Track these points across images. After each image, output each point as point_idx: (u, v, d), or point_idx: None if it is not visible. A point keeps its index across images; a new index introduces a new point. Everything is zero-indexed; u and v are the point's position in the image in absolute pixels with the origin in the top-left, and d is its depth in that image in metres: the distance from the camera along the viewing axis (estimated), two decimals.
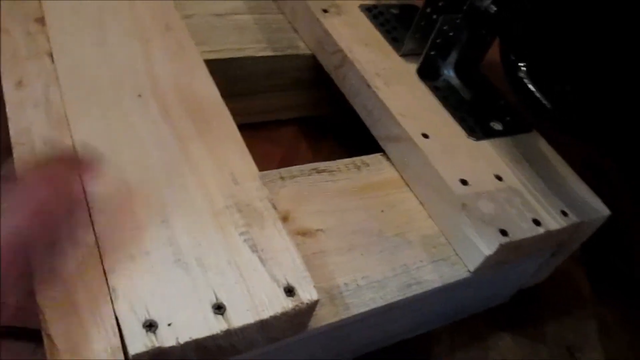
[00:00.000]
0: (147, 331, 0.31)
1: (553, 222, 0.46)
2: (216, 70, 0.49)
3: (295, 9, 0.63)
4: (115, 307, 0.32)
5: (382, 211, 0.46)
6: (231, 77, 0.59)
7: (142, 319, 0.32)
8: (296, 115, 0.69)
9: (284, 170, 0.47)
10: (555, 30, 0.46)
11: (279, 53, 0.60)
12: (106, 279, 0.33)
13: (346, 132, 0.69)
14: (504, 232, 0.43)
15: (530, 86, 0.47)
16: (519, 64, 0.47)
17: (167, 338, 0.31)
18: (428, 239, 0.46)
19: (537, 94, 0.46)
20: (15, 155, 0.38)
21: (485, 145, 0.51)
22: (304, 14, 0.61)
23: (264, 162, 0.44)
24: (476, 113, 0.53)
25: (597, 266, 0.65)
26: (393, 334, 0.48)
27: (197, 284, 0.34)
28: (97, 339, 0.31)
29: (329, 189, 0.47)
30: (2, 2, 0.50)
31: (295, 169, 0.48)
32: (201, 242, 0.36)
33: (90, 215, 0.36)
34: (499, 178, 0.48)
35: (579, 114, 0.46)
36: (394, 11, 0.63)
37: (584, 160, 0.53)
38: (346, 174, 0.49)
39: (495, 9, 0.50)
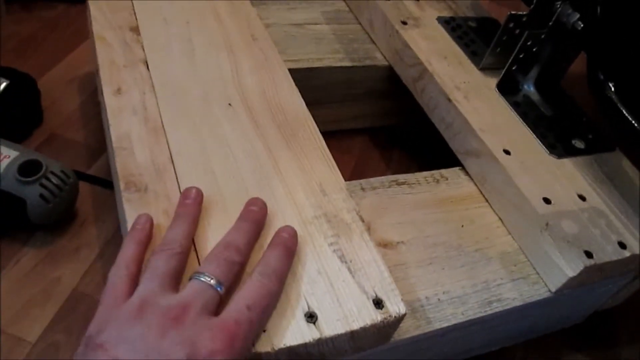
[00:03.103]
0: None
1: (639, 245, 0.45)
2: (294, 80, 0.51)
3: (373, 20, 0.63)
4: None
5: (462, 226, 0.47)
6: (308, 86, 0.59)
7: None
8: (367, 125, 0.70)
9: (364, 182, 0.48)
10: None
11: (356, 64, 0.61)
12: None
13: (415, 142, 0.70)
14: (588, 254, 0.42)
15: (620, 106, 0.46)
16: (608, 84, 0.46)
17: (263, 344, 0.32)
18: (508, 255, 0.46)
19: (627, 114, 0.45)
20: (117, 159, 0.40)
21: (567, 163, 0.50)
22: (382, 25, 0.62)
23: None
24: (557, 130, 0.52)
25: None
26: (468, 348, 0.48)
27: (289, 292, 0.35)
28: None
29: (408, 201, 0.48)
30: (96, 11, 0.52)
31: (375, 180, 0.48)
32: None
33: None
34: (582, 198, 0.47)
35: None
36: (472, 24, 0.63)
37: None
38: (425, 187, 0.49)
39: (582, 25, 0.50)
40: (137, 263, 0.33)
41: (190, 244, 0.35)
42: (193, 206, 0.37)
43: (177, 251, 0.34)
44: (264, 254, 0.35)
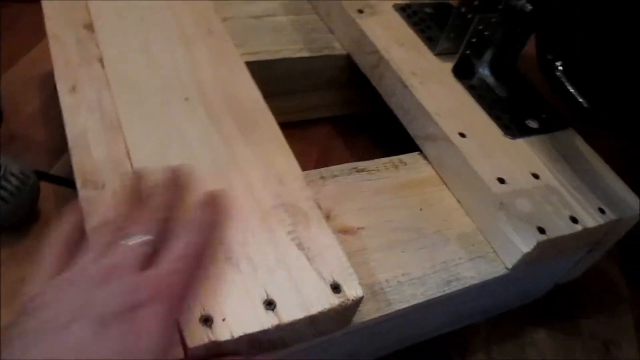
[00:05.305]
0: (203, 325, 0.33)
1: (590, 219, 0.46)
2: (254, 72, 0.51)
3: (330, 9, 0.64)
4: None
5: (421, 209, 0.48)
6: (268, 78, 0.60)
7: (198, 314, 0.33)
8: (330, 114, 0.70)
9: (324, 170, 0.49)
10: (590, 28, 0.47)
11: (315, 54, 0.61)
12: None
13: (380, 130, 0.70)
14: (541, 230, 0.44)
15: (567, 85, 0.47)
16: (556, 63, 0.48)
17: (222, 332, 0.33)
18: (466, 236, 0.47)
19: (574, 93, 0.47)
20: (74, 158, 0.40)
21: (522, 143, 0.51)
22: (339, 14, 0.62)
23: (301, 161, 0.45)
24: (512, 111, 0.54)
25: (633, 263, 0.65)
26: (432, 328, 0.49)
27: (247, 281, 0.35)
28: None
29: (368, 187, 0.48)
30: (50, 9, 0.52)
31: (335, 168, 0.49)
32: (250, 241, 0.38)
33: None
34: (536, 176, 0.48)
35: (615, 111, 0.47)
36: (428, 10, 0.64)
37: (622, 155, 0.53)
38: (385, 173, 0.50)
39: (530, 7, 0.51)
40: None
41: None
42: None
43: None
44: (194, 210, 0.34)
